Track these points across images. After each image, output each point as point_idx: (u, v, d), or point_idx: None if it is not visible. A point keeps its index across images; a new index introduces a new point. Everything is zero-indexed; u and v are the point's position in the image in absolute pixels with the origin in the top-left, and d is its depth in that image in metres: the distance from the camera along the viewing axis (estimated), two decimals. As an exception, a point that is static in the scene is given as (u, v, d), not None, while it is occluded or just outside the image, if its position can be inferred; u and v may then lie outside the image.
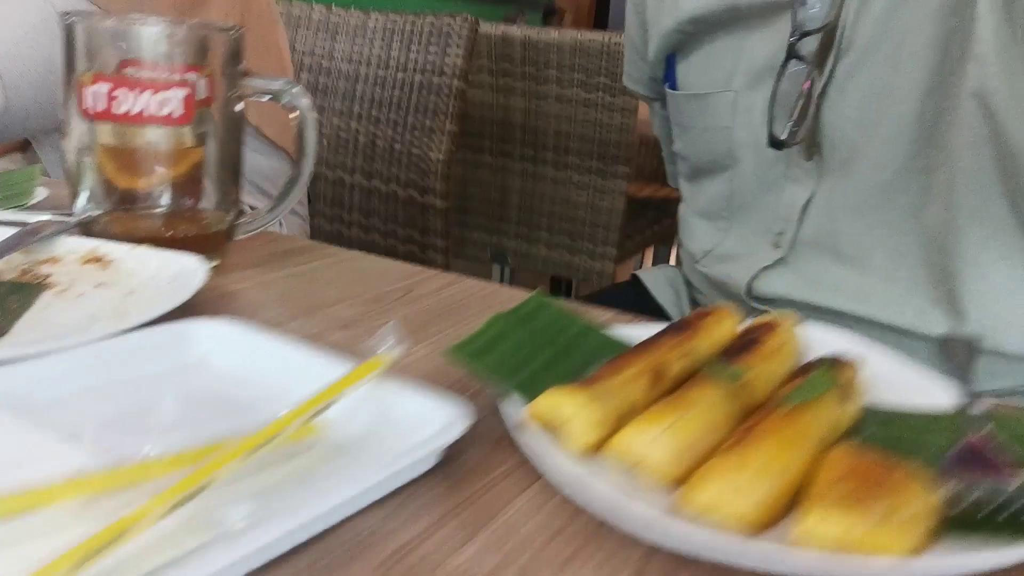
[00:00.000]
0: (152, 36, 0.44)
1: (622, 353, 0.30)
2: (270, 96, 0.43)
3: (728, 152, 0.63)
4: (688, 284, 0.74)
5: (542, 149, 1.56)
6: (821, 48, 0.54)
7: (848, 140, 0.56)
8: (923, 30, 0.51)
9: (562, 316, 0.35)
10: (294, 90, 0.43)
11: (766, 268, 0.60)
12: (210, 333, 0.31)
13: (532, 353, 0.31)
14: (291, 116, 0.43)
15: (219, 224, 0.45)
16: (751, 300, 0.62)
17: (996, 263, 0.52)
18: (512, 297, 0.45)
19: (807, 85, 0.55)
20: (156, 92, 0.39)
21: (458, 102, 1.25)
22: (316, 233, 1.42)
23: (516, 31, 1.49)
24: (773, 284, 0.60)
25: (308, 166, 0.43)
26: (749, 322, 0.35)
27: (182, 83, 0.40)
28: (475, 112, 1.58)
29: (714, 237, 0.67)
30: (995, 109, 0.48)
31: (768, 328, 0.33)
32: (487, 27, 1.51)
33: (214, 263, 0.44)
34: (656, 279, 0.75)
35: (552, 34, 1.47)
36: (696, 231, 0.70)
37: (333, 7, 1.39)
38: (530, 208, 1.60)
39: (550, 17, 6.48)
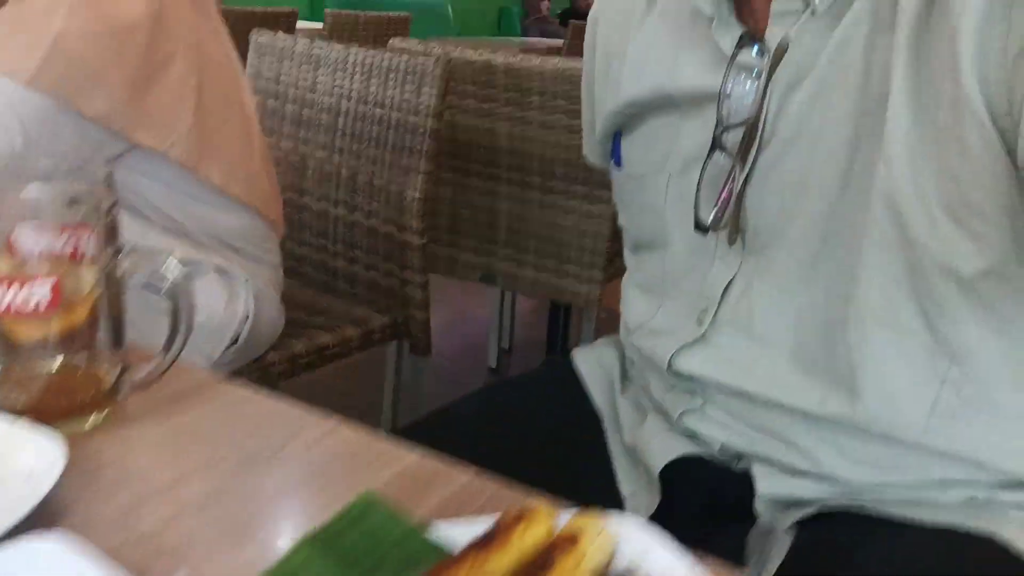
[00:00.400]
0: (33, 202, 0.46)
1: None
2: (150, 270, 0.45)
3: (662, 231, 0.66)
4: (623, 357, 0.76)
5: (528, 173, 1.57)
6: (744, 140, 0.56)
7: (767, 228, 0.58)
8: (838, 129, 0.53)
9: (387, 520, 0.37)
10: (170, 272, 0.45)
11: (687, 345, 0.63)
12: (30, 563, 0.33)
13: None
14: (162, 294, 0.45)
15: (104, 381, 0.47)
16: (672, 376, 0.64)
17: (897, 359, 0.54)
18: (381, 455, 0.47)
19: (730, 174, 0.57)
20: (22, 286, 0.41)
21: (432, 142, 1.26)
22: (304, 262, 1.45)
23: (498, 59, 1.49)
24: (692, 361, 0.63)
25: (180, 342, 0.45)
26: (565, 519, 0.37)
27: (49, 273, 0.42)
28: (462, 136, 1.60)
29: (648, 310, 0.70)
30: (903, 210, 0.50)
31: (568, 543, 0.35)
32: (469, 54, 1.51)
33: (95, 422, 0.47)
34: (589, 360, 0.77)
35: (533, 61, 1.47)
36: (633, 303, 0.72)
37: (315, 40, 1.41)
38: (518, 231, 1.61)
39: (567, 16, 6.43)
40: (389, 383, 1.49)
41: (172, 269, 0.45)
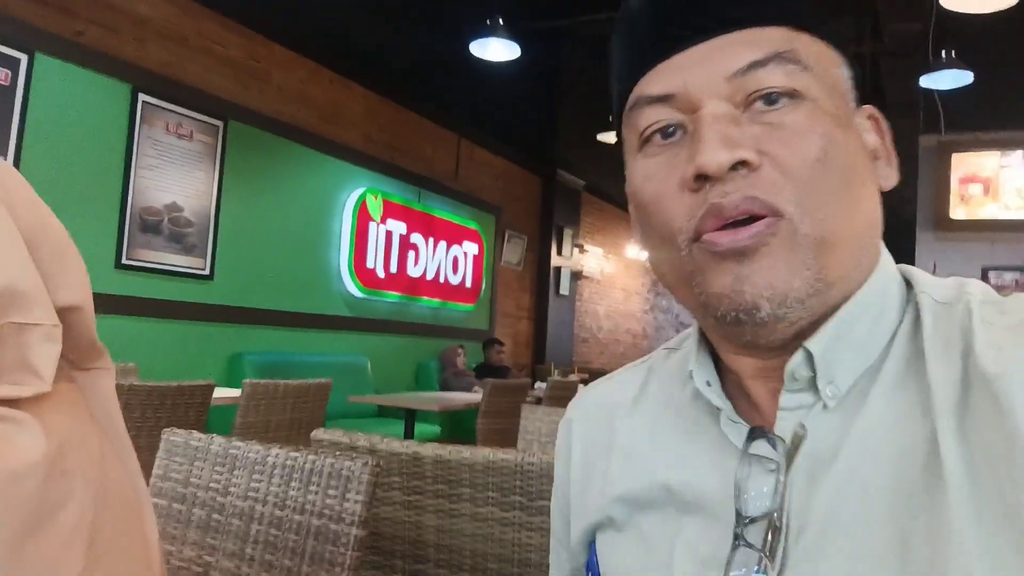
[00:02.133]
0: None
1: None
2: None
3: None
4: None
5: (458, 569, 1.44)
6: (767, 535, 0.50)
7: None
8: (880, 524, 0.47)
9: None
10: None
11: None
12: None
13: None
14: None
15: None
16: None
17: None
18: None
19: (760, 573, 0.50)
20: None
21: (357, 552, 1.15)
22: None
23: (426, 450, 1.44)
24: None
25: None
26: None
27: None
28: (387, 530, 1.48)
29: None
30: None
31: None
32: (397, 446, 1.47)
33: None
34: None
35: (464, 453, 1.43)
36: None
37: (233, 440, 1.34)
38: (448, 636, 1.44)
39: (490, 347, 6.77)
40: None
41: None
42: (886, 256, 0.55)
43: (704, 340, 0.59)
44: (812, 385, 0.51)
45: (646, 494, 0.59)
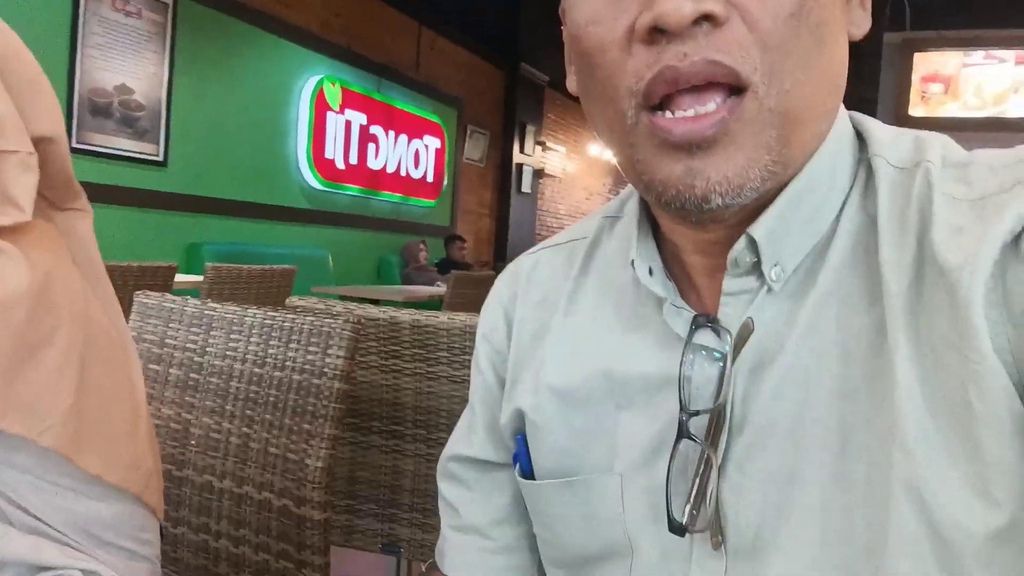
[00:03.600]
0: None
1: None
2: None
3: (622, 541, 0.55)
4: None
5: (435, 430, 1.48)
6: (713, 426, 0.49)
7: (752, 527, 0.49)
8: (821, 415, 0.46)
9: None
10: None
11: None
12: None
13: None
14: None
15: None
16: None
17: None
18: None
19: (701, 466, 0.50)
20: None
21: (339, 404, 1.17)
22: (181, 544, 1.26)
23: (404, 316, 1.45)
24: None
25: None
26: None
27: None
28: (364, 393, 1.51)
29: None
30: (929, 502, 0.42)
31: None
32: (374, 312, 1.47)
33: None
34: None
35: (441, 318, 1.44)
36: None
37: (209, 301, 1.33)
38: (425, 493, 1.49)
39: (451, 243, 6.77)
40: None
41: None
42: (840, 112, 0.51)
43: (644, 211, 0.56)
44: (757, 269, 0.49)
45: (584, 385, 0.57)
